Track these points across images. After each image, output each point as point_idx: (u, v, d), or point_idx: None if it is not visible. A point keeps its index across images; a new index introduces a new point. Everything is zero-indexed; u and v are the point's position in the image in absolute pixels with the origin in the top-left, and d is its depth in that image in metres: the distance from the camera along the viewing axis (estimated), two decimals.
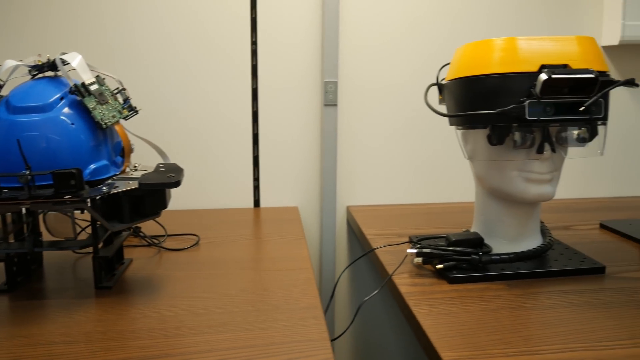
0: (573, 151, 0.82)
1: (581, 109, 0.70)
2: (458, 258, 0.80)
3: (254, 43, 1.13)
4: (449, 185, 1.26)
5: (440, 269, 0.80)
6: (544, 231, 0.89)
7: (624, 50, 1.25)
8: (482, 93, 0.75)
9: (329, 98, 1.11)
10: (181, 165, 1.18)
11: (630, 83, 0.73)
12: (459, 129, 0.81)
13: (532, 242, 0.85)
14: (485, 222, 0.86)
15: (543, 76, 0.69)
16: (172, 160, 1.18)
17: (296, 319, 0.69)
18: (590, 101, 0.70)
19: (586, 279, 0.80)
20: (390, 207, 1.21)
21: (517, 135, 0.75)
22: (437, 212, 1.17)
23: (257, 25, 1.13)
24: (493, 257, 0.80)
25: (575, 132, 0.77)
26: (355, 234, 1.21)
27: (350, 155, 1.21)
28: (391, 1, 1.17)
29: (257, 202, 1.20)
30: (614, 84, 0.71)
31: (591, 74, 0.69)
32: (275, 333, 0.65)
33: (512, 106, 0.72)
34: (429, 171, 1.24)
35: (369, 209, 1.20)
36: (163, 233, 1.03)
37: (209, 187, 1.19)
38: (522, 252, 0.81)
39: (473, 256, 0.80)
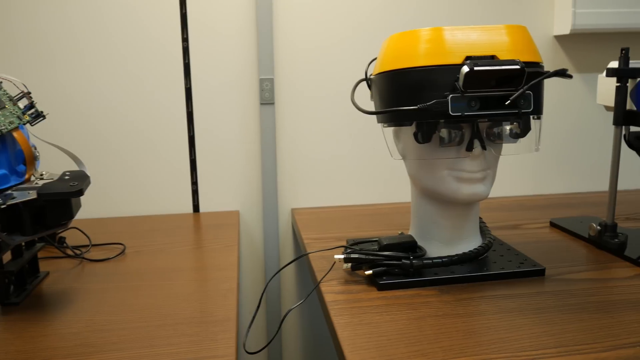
0: (508, 148, 0.78)
1: (507, 102, 0.66)
2: (388, 263, 0.75)
3: (185, 40, 1.08)
4: (398, 184, 1.22)
5: (369, 275, 0.76)
6: (484, 231, 0.85)
7: (576, 39, 1.21)
8: (406, 88, 0.70)
9: (266, 96, 1.06)
10: (114, 171, 1.12)
11: (560, 74, 0.69)
12: (385, 127, 0.77)
13: (470, 244, 0.81)
14: (420, 224, 0.82)
15: (465, 68, 0.65)
16: (105, 166, 1.12)
17: (205, 334, 0.64)
18: (516, 94, 0.65)
19: (524, 282, 0.76)
20: (335, 209, 1.16)
21: (443, 132, 0.71)
22: (385, 212, 1.13)
23: (188, 21, 1.08)
24: (425, 261, 0.75)
25: (508, 128, 0.73)
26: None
27: (293, 156, 1.16)
28: None
29: (196, 207, 1.15)
30: (543, 75, 0.67)
31: (517, 65, 0.65)
32: (179, 349, 0.61)
33: (434, 101, 0.67)
34: (376, 170, 1.20)
35: (313, 211, 1.15)
36: (92, 242, 0.97)
37: (145, 193, 1.14)
38: (457, 255, 0.76)
39: (404, 261, 0.75)
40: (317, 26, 1.12)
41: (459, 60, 0.68)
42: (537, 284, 0.75)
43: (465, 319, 0.65)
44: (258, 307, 0.74)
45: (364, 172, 1.19)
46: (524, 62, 0.69)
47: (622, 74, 0.83)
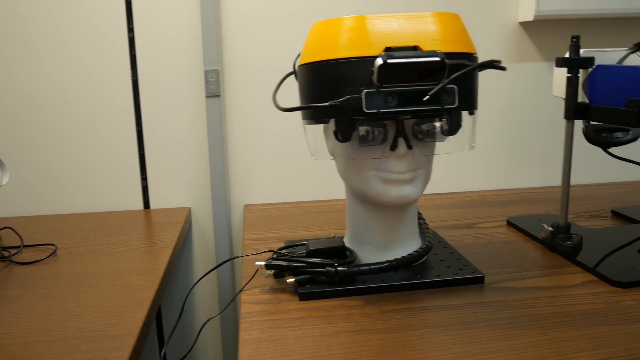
0: (441, 146, 0.72)
1: (425, 98, 0.60)
2: (311, 270, 0.70)
3: (130, 30, 1.03)
4: None
5: (292, 283, 0.71)
6: (425, 233, 0.79)
7: (541, 25, 1.14)
8: (323, 82, 0.64)
9: (211, 89, 1.01)
10: (62, 168, 1.08)
11: (489, 65, 0.63)
12: (306, 124, 0.71)
13: (407, 248, 0.75)
14: (353, 227, 0.77)
15: (379, 61, 0.59)
16: (54, 162, 1.08)
17: (100, 350, 0.60)
18: (435, 89, 0.59)
19: (460, 291, 0.70)
20: (289, 206, 1.11)
21: (362, 130, 0.65)
22: (339, 209, 1.08)
23: (133, 11, 1.02)
24: (351, 268, 0.70)
25: (436, 125, 0.67)
26: None
27: (245, 151, 1.10)
28: None
29: (147, 204, 1.10)
30: (468, 67, 0.61)
31: (436, 56, 0.59)
32: None
33: (346, 97, 0.61)
34: (331, 165, 1.14)
35: (265, 208, 1.10)
36: (26, 243, 0.94)
37: (94, 189, 1.09)
38: (388, 262, 0.71)
39: (328, 268, 0.70)
40: (267, 16, 1.06)
41: (377, 52, 0.62)
42: (474, 293, 0.70)
43: (382, 335, 0.60)
44: (180, 316, 0.70)
45: (319, 167, 1.14)
46: (452, 53, 0.63)
47: (572, 64, 0.77)
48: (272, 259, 0.73)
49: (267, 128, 1.10)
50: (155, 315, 0.77)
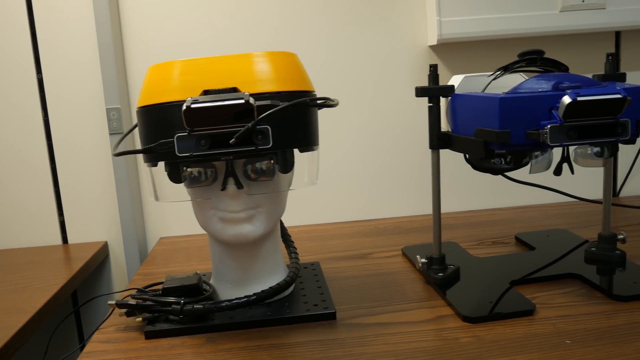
0: (284, 183, 0.72)
1: (231, 141, 0.60)
2: (159, 309, 0.71)
3: (39, 72, 1.07)
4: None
5: (139, 322, 0.71)
6: (291, 269, 0.79)
7: (450, 47, 1.12)
8: (150, 126, 0.65)
9: (114, 126, 1.03)
10: None
11: (303, 104, 0.63)
12: (148, 166, 0.72)
13: (265, 284, 0.75)
14: (213, 264, 0.77)
15: (184, 106, 0.60)
16: None
17: None
18: (241, 132, 0.59)
19: (308, 328, 0.69)
20: (202, 238, 1.12)
21: (187, 172, 0.66)
22: None
23: (40, 56, 1.06)
24: (195, 307, 0.70)
25: (263, 164, 0.67)
26: None
27: None
28: (184, 15, 1.08)
29: (65, 239, 1.13)
30: (276, 107, 0.61)
31: (241, 99, 0.59)
32: None
33: (159, 142, 0.62)
34: None
35: (179, 240, 1.11)
36: None
37: (10, 225, 1.12)
38: (239, 299, 0.71)
39: (174, 306, 0.70)
40: (172, 52, 1.09)
41: (195, 95, 0.63)
42: (320, 330, 0.69)
43: None
44: (45, 354, 0.71)
45: None
46: (277, 92, 0.63)
47: (431, 93, 0.76)
48: (132, 297, 0.73)
49: None
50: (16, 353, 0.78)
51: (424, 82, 1.13)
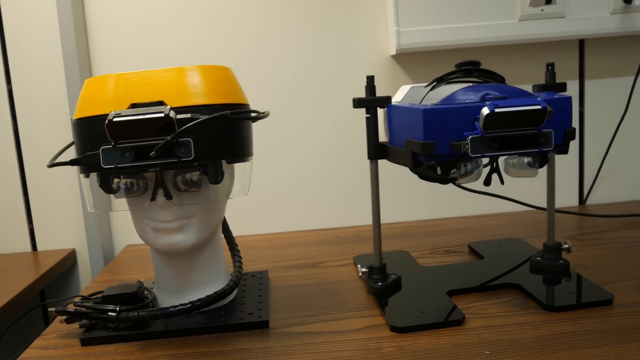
0: (214, 194, 0.73)
1: (151, 154, 0.61)
2: (96, 316, 0.73)
3: (9, 83, 1.10)
4: (241, 217, 1.18)
5: (77, 328, 0.73)
6: (232, 277, 0.80)
7: (412, 57, 1.13)
8: (80, 138, 0.67)
9: None
10: None
11: (224, 117, 0.64)
12: (84, 177, 0.73)
13: (204, 292, 0.76)
14: (154, 272, 0.79)
15: (108, 119, 0.61)
16: None
17: None
18: (160, 144, 0.61)
19: (240, 337, 0.70)
20: None
21: (116, 184, 0.68)
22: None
23: (9, 66, 1.09)
24: (130, 314, 0.71)
25: (192, 175, 0.68)
26: None
27: None
28: (153, 27, 1.11)
29: (34, 246, 1.16)
30: (196, 120, 0.63)
31: (161, 112, 0.61)
32: None
33: (85, 154, 0.64)
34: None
35: (144, 249, 1.13)
36: None
37: None
38: (172, 307, 0.72)
39: (110, 313, 0.72)
40: (135, 63, 1.11)
41: (121, 108, 0.64)
42: (251, 338, 0.70)
43: None
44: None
45: None
46: (203, 105, 0.65)
47: (368, 104, 0.77)
48: (74, 304, 0.75)
49: None
50: None
51: (386, 92, 1.14)
